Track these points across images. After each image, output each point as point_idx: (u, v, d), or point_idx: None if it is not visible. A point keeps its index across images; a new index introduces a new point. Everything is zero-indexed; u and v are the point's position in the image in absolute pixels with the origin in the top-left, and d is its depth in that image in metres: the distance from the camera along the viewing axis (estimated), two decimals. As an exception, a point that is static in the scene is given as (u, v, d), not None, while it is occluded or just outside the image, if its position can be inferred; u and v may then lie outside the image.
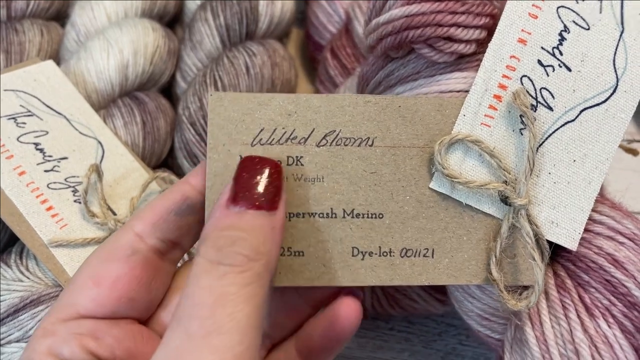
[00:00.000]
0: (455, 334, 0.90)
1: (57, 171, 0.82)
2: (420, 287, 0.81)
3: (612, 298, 0.58)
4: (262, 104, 0.59)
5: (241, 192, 0.53)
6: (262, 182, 0.54)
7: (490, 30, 0.65)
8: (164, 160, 0.99)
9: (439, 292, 0.80)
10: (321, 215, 0.60)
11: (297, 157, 0.59)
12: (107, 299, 0.56)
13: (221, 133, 0.59)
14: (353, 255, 0.60)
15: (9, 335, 0.74)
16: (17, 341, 0.74)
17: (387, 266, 0.60)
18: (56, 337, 0.54)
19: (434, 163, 0.60)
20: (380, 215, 0.60)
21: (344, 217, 0.60)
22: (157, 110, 0.96)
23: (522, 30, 0.63)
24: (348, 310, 0.59)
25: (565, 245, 0.61)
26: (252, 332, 0.48)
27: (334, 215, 0.60)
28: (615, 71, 0.62)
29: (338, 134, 0.60)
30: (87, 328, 0.55)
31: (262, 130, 0.59)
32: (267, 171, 0.55)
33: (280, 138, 0.59)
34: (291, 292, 0.63)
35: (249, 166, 0.55)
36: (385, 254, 0.60)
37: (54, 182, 0.81)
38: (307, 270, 0.59)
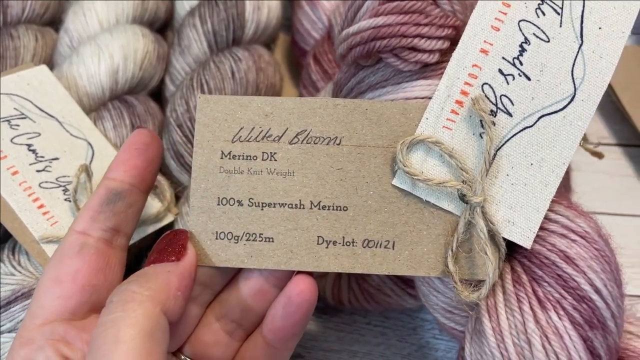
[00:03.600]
0: (429, 329, 0.92)
1: (48, 171, 0.84)
2: (392, 283, 0.83)
3: (563, 292, 0.60)
4: (242, 105, 0.65)
5: (150, 256, 0.63)
6: (164, 244, 0.63)
7: (454, 40, 0.67)
8: None
9: (411, 287, 0.83)
10: (290, 205, 0.64)
11: (271, 153, 0.64)
12: (72, 291, 0.60)
13: (206, 131, 0.64)
14: (318, 244, 0.64)
15: (2, 326, 0.76)
16: (9, 332, 0.76)
17: (349, 255, 0.64)
18: (32, 346, 0.58)
19: (396, 161, 0.62)
20: (345, 208, 0.64)
21: (311, 208, 0.64)
22: (145, 113, 0.98)
23: (485, 41, 0.65)
24: (302, 285, 0.63)
25: (520, 244, 0.63)
26: (136, 353, 0.51)
27: (302, 206, 0.64)
28: (574, 81, 0.64)
29: (309, 133, 0.64)
30: (59, 333, 0.59)
31: (241, 128, 0.64)
32: (171, 236, 0.64)
33: (257, 136, 0.64)
34: (257, 276, 0.66)
35: (157, 244, 0.64)
36: (348, 243, 0.64)
37: (46, 182, 0.83)
38: (276, 255, 0.64)
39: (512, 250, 0.65)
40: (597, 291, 0.60)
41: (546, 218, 0.64)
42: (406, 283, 0.83)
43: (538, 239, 0.63)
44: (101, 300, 0.61)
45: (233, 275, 0.68)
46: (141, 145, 0.66)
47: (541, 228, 0.64)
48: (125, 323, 0.53)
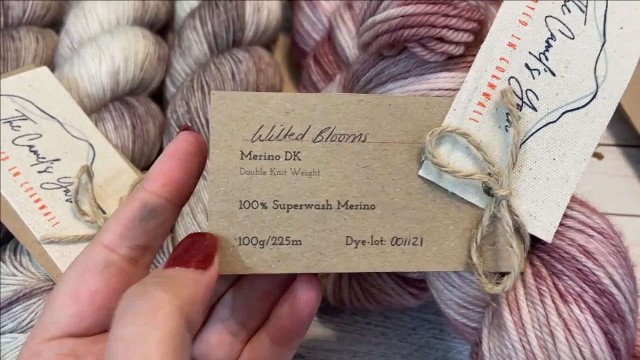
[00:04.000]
0: (429, 328, 0.93)
1: (50, 172, 0.85)
2: (394, 282, 0.84)
3: (583, 285, 0.60)
4: (261, 103, 0.62)
5: (171, 258, 0.57)
6: (191, 247, 0.58)
7: (477, 34, 0.68)
8: (153, 161, 0.99)
9: (412, 287, 0.83)
10: (317, 206, 0.62)
11: (294, 152, 0.62)
12: (88, 312, 0.57)
13: (223, 130, 0.61)
14: (347, 244, 0.62)
15: (4, 326, 0.77)
16: (11, 332, 0.77)
17: (378, 254, 0.63)
18: (40, 359, 0.55)
19: (424, 152, 0.62)
20: (372, 207, 0.63)
21: (338, 208, 0.62)
22: (146, 115, 0.99)
23: (512, 35, 0.66)
24: (308, 284, 0.63)
25: (542, 237, 0.63)
26: None
27: (329, 207, 0.62)
28: (596, 79, 0.65)
29: (333, 131, 0.62)
30: (68, 348, 0.56)
31: (261, 127, 0.61)
32: (198, 238, 0.60)
33: (279, 134, 0.62)
34: (261, 278, 0.66)
35: (182, 242, 0.60)
36: (377, 242, 0.63)
37: (47, 183, 0.84)
38: (304, 258, 0.62)
39: (530, 245, 0.65)
40: (617, 285, 0.61)
41: (563, 214, 0.65)
42: (407, 282, 0.84)
43: (556, 233, 0.64)
44: None
45: (237, 277, 0.68)
46: (185, 156, 0.61)
47: (559, 223, 0.64)
48: (156, 339, 0.49)
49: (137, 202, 0.60)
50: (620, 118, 1.14)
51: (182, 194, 0.61)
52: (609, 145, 1.14)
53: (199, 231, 0.84)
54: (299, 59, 1.18)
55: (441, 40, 0.67)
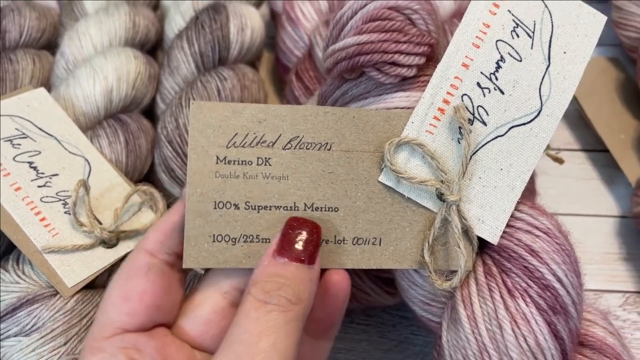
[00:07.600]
0: (407, 325, 0.97)
1: (49, 186, 0.88)
2: (372, 282, 0.87)
3: (529, 281, 0.65)
4: (236, 112, 0.66)
5: (287, 246, 0.62)
6: (303, 240, 0.63)
7: (429, 57, 0.73)
8: (146, 175, 1.04)
9: (388, 286, 0.87)
10: (285, 208, 0.66)
11: (265, 158, 0.66)
12: (139, 309, 0.62)
13: (200, 136, 0.65)
14: None
15: (8, 330, 0.80)
16: (15, 336, 0.80)
17: (341, 252, 0.67)
18: (105, 353, 0.60)
19: (384, 160, 0.67)
20: (336, 209, 0.67)
21: (304, 209, 0.67)
22: (138, 130, 1.02)
23: (466, 56, 0.70)
24: (337, 276, 0.66)
25: (488, 239, 0.68)
26: None
27: (296, 208, 0.67)
28: (540, 98, 0.70)
29: (301, 139, 0.66)
30: (130, 342, 0.61)
31: (236, 134, 0.65)
32: (308, 230, 0.64)
33: (252, 142, 0.66)
34: None
35: (294, 225, 0.64)
36: (339, 242, 0.67)
37: (47, 196, 0.87)
38: None
39: (484, 246, 0.70)
40: (559, 280, 0.65)
41: (513, 216, 0.69)
42: (384, 282, 0.88)
43: (506, 234, 0.68)
44: (164, 318, 0.65)
45: None
46: None
47: (509, 225, 0.69)
48: (284, 333, 0.56)
49: (177, 215, 0.66)
50: (585, 125, 1.19)
51: None
52: (575, 150, 1.18)
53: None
54: (283, 74, 1.21)
55: (394, 64, 0.71)
